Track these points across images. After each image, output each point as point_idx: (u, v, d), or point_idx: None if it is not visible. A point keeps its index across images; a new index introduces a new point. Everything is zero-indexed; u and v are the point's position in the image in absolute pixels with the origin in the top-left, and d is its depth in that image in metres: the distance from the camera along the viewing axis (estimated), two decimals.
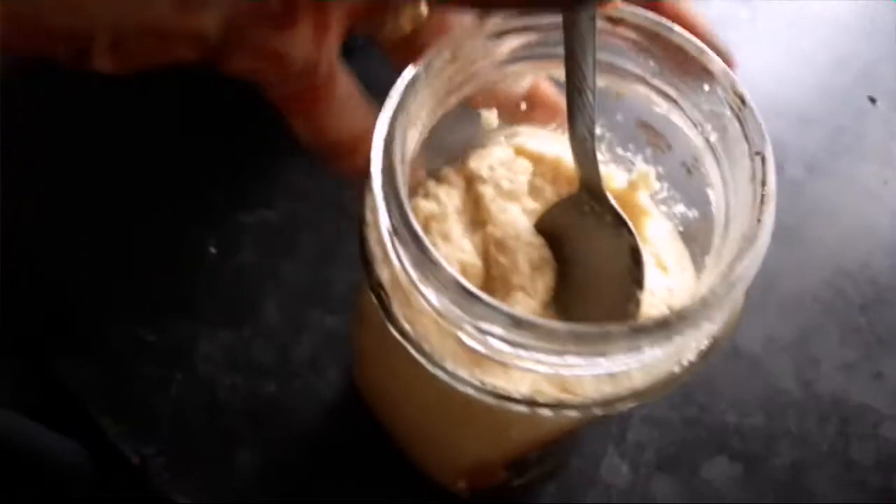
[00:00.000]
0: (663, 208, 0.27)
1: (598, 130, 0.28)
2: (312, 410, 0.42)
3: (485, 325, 0.19)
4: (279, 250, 0.45)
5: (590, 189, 0.24)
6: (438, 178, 0.28)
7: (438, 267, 0.19)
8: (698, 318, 0.19)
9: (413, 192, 0.28)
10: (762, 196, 0.20)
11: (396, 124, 0.20)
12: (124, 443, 0.41)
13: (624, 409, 0.22)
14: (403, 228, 0.19)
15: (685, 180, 0.25)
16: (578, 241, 0.25)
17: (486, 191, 0.27)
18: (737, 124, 0.22)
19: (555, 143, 0.27)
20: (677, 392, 0.43)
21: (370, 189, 0.20)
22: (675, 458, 0.42)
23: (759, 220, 0.20)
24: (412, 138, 0.21)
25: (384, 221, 0.20)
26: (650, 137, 0.26)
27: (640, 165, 0.27)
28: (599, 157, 0.28)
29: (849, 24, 0.54)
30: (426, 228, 0.27)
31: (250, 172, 0.46)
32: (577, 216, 0.25)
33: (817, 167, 0.49)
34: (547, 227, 0.26)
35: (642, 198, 0.27)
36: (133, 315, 0.43)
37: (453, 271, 0.19)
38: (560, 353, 0.19)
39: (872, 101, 0.52)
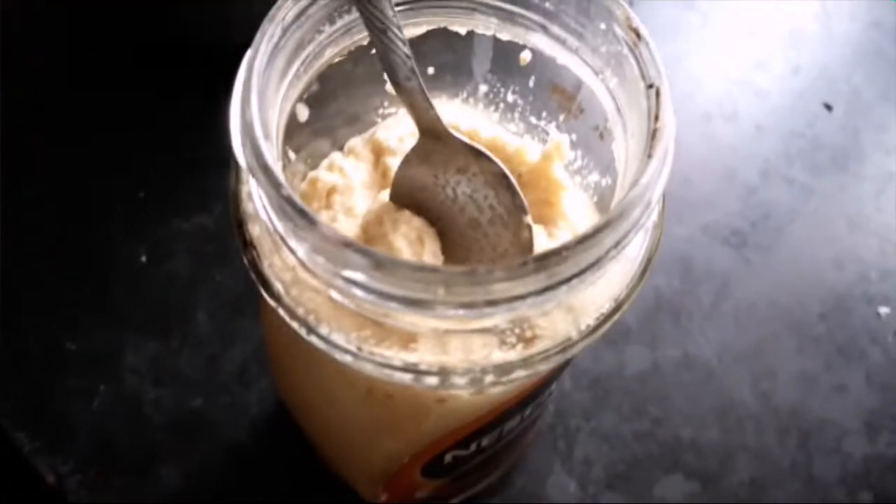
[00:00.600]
0: (578, 179, 0.26)
1: (510, 98, 0.27)
2: (239, 424, 0.39)
3: (348, 273, 0.17)
4: (213, 258, 0.43)
5: (432, 133, 0.22)
6: (346, 150, 0.26)
7: (295, 208, 0.17)
8: (580, 260, 0.17)
9: (315, 165, 0.26)
10: (654, 131, 0.19)
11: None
12: (40, 460, 0.38)
13: (518, 379, 0.20)
14: (261, 172, 0.18)
15: (598, 146, 0.24)
16: (444, 194, 0.23)
17: (394, 163, 0.25)
18: (633, 61, 0.20)
19: (466, 113, 0.26)
20: (628, 404, 0.41)
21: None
22: (626, 476, 0.40)
23: (649, 156, 0.18)
24: (273, 105, 0.20)
25: (242, 162, 0.18)
26: (562, 101, 0.24)
27: (554, 134, 0.26)
28: (513, 127, 0.27)
29: (803, 29, 0.54)
30: (328, 202, 0.25)
31: (188, 178, 0.45)
32: (430, 168, 0.23)
33: (771, 173, 0.48)
34: (406, 194, 0.24)
35: (557, 170, 0.25)
36: (54, 322, 0.41)
37: (312, 213, 0.17)
38: (431, 305, 0.17)
39: (828, 107, 0.51)
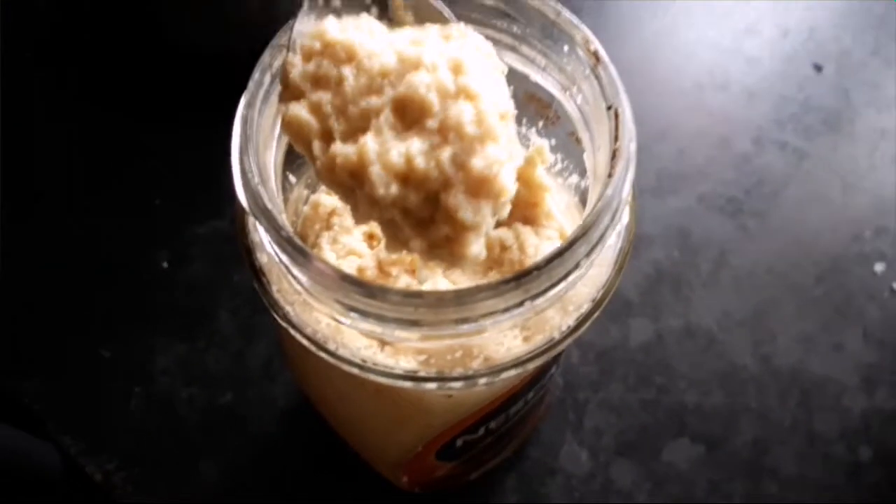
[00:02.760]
0: (560, 180, 0.28)
1: None
2: (268, 417, 0.42)
3: (345, 301, 0.19)
4: (230, 259, 0.45)
5: None
6: None
7: (294, 247, 0.19)
8: (553, 275, 0.19)
9: (315, 187, 0.28)
10: (613, 151, 0.20)
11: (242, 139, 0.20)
12: (86, 459, 0.41)
13: (510, 376, 0.22)
14: (261, 216, 0.20)
15: (575, 150, 0.25)
16: None
17: None
18: (594, 81, 0.22)
19: None
20: (633, 374, 0.43)
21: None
22: (634, 443, 0.42)
23: (609, 175, 0.20)
24: (271, 139, 0.22)
25: (245, 206, 0.20)
26: (539, 109, 0.26)
27: (535, 139, 0.27)
28: None
29: None
30: (328, 223, 0.27)
31: (200, 183, 0.47)
32: None
33: (764, 139, 0.49)
34: None
35: (540, 173, 0.27)
36: (89, 333, 0.43)
37: (309, 251, 0.19)
38: (421, 324, 0.19)
39: (818, 68, 0.51)
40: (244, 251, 0.23)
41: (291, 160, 0.26)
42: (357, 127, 0.19)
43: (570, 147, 0.25)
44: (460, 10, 0.22)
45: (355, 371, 0.22)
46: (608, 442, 0.42)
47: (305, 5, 0.20)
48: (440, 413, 0.26)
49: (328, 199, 0.27)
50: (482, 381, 0.22)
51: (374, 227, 0.27)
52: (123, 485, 0.41)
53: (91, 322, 0.44)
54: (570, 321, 0.22)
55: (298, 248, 0.19)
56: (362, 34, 0.20)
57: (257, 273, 0.23)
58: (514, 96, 0.25)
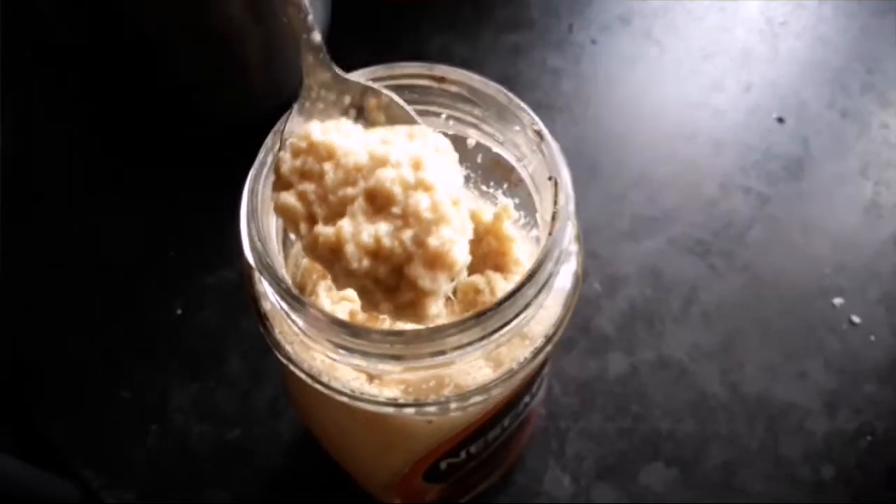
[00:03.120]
0: (524, 233, 0.32)
1: (464, 172, 0.33)
2: (273, 450, 0.45)
3: (335, 340, 0.23)
4: (239, 307, 0.49)
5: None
6: None
7: (292, 297, 0.23)
8: (506, 314, 0.23)
9: None
10: (553, 213, 0.24)
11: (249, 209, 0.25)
12: (106, 492, 0.45)
13: (477, 402, 0.26)
14: (266, 271, 0.24)
15: (534, 207, 0.29)
16: None
17: None
18: (540, 155, 0.26)
19: None
20: (611, 404, 0.47)
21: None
22: (613, 467, 0.45)
23: (549, 234, 0.24)
24: (269, 209, 0.26)
25: (252, 263, 0.24)
26: (503, 173, 0.30)
27: (501, 198, 0.32)
28: (469, 194, 0.33)
29: (752, 50, 0.59)
30: (324, 273, 0.31)
31: (211, 236, 0.51)
32: None
33: (730, 185, 0.53)
34: None
35: (507, 227, 0.31)
36: (110, 376, 0.47)
37: (305, 299, 0.23)
38: (400, 359, 0.23)
39: (780, 120, 0.56)
40: (251, 300, 0.27)
41: None
42: (336, 212, 0.24)
43: (531, 205, 0.29)
44: (433, 97, 0.27)
45: (346, 400, 0.26)
46: (589, 467, 0.45)
47: (295, 108, 0.25)
48: (423, 438, 0.30)
49: None
50: (453, 405, 0.25)
51: None
52: None
53: (112, 366, 0.48)
54: (527, 353, 0.26)
55: (295, 298, 0.23)
56: (341, 136, 0.25)
57: (262, 318, 0.27)
58: (483, 163, 0.30)
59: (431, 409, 0.25)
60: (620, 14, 0.60)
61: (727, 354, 0.48)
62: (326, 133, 0.25)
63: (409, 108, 0.26)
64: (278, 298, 0.24)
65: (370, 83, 0.26)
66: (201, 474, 0.45)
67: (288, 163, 0.25)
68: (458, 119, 0.28)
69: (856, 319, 0.49)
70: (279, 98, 0.49)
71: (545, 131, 0.26)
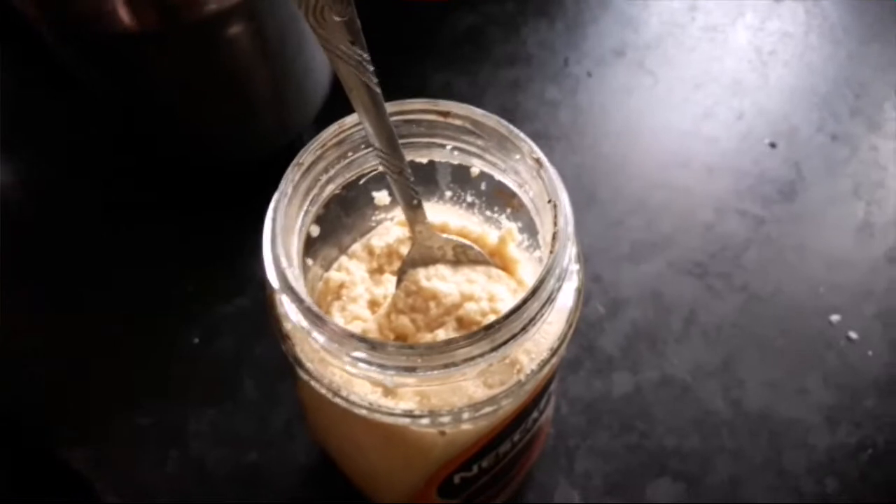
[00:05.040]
0: (527, 255, 0.34)
1: (469, 199, 0.35)
2: (289, 472, 0.47)
3: (354, 354, 0.25)
4: (254, 334, 0.51)
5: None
6: (350, 254, 0.35)
7: (313, 314, 0.25)
8: (513, 328, 0.25)
9: (328, 267, 0.34)
10: (553, 233, 0.26)
11: (271, 228, 0.27)
12: None
13: (488, 412, 0.27)
14: (288, 292, 0.26)
15: (536, 230, 0.31)
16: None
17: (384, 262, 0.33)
18: (539, 181, 0.28)
19: (438, 211, 0.34)
20: (617, 422, 0.48)
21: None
22: (621, 484, 0.46)
23: (551, 252, 0.26)
24: (293, 232, 0.28)
25: (274, 285, 0.26)
26: (506, 199, 0.32)
27: (505, 223, 0.34)
28: (474, 219, 0.35)
29: (743, 79, 0.61)
30: (338, 294, 0.33)
31: (225, 269, 0.53)
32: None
33: (725, 209, 0.55)
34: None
35: (512, 249, 0.33)
36: (131, 405, 0.49)
37: (326, 317, 0.25)
38: (415, 371, 0.25)
39: (773, 145, 0.58)
40: (273, 320, 0.29)
41: (308, 248, 0.32)
42: (433, 327, 0.31)
43: (533, 228, 0.31)
44: (439, 129, 0.29)
45: (364, 413, 0.27)
46: (597, 483, 0.46)
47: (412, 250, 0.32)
48: (437, 451, 0.31)
49: (337, 275, 0.33)
50: (465, 415, 0.27)
51: (377, 295, 0.33)
52: None
53: (132, 396, 0.49)
54: (534, 366, 0.28)
55: (317, 315, 0.25)
56: (439, 280, 0.32)
57: (284, 337, 0.28)
58: (487, 189, 0.32)
59: (445, 419, 0.27)
60: (614, 47, 0.63)
61: (728, 372, 0.49)
62: (429, 279, 0.31)
63: (486, 256, 0.33)
64: (301, 317, 0.26)
65: (453, 238, 0.33)
66: (219, 496, 0.46)
67: (402, 299, 0.32)
68: (462, 150, 0.30)
69: (853, 335, 0.50)
70: (287, 136, 0.52)
71: (544, 158, 0.28)
